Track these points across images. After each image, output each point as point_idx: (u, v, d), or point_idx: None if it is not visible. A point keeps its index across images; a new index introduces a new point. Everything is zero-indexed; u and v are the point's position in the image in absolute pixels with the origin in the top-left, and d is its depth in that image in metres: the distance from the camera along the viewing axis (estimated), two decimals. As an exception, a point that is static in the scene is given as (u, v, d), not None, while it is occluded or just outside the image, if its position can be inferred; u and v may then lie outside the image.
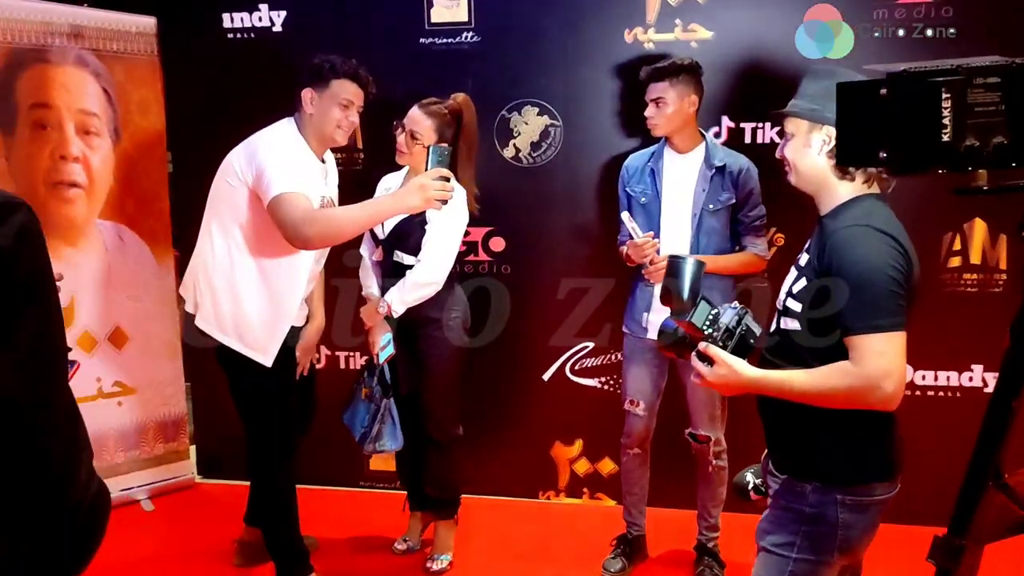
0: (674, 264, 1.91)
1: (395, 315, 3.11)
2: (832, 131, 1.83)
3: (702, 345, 1.89)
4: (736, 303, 1.95)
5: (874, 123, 1.25)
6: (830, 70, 1.96)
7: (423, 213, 3.04)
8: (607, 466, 3.88)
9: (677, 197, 3.12)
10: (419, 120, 3.11)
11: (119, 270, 3.89)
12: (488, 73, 3.70)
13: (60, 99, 3.65)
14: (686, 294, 1.86)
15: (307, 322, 3.19)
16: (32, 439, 0.94)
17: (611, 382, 3.80)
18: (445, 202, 2.63)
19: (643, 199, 3.17)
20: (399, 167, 3.29)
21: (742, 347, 1.91)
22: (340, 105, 2.87)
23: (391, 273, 3.19)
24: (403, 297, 3.10)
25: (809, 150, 1.93)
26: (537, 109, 3.70)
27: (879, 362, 1.73)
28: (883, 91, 1.23)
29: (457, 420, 3.34)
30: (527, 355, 3.89)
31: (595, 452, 3.91)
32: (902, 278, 1.77)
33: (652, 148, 3.24)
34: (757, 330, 1.94)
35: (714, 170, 3.09)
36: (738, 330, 1.90)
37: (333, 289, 3.36)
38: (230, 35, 3.89)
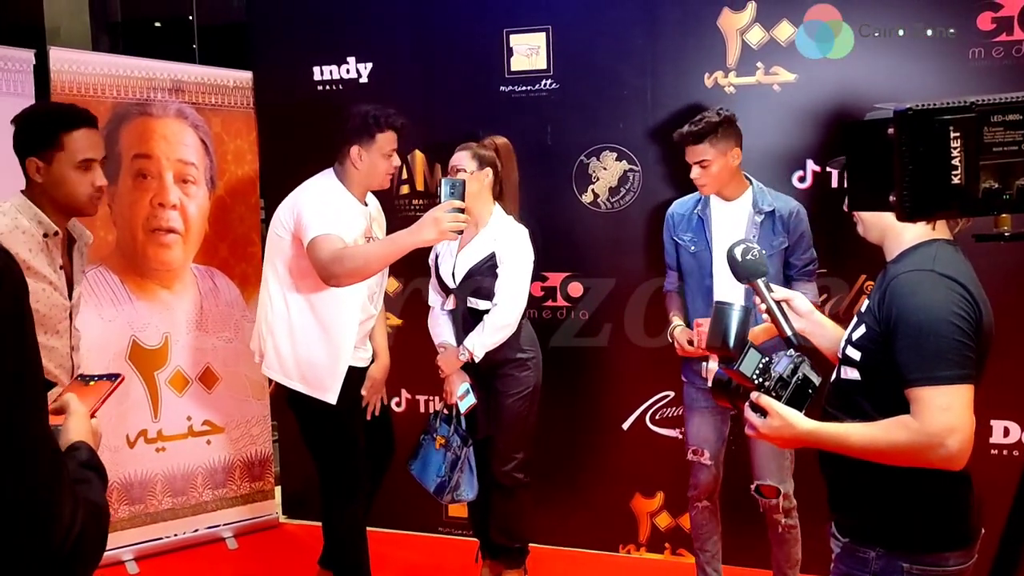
0: (720, 310, 1.83)
1: (476, 360, 3.12)
2: None
3: (754, 395, 1.80)
4: (792, 351, 1.86)
5: (882, 165, 1.17)
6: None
7: (494, 256, 3.08)
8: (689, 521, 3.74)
9: (729, 245, 3.02)
10: (465, 160, 3.14)
11: (211, 312, 4.04)
12: (567, 119, 3.71)
13: (160, 150, 3.84)
14: (732, 342, 1.78)
15: (372, 363, 3.24)
16: (10, 479, 0.94)
17: (692, 433, 3.68)
18: (460, 232, 2.69)
19: (692, 247, 3.10)
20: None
21: (799, 397, 1.81)
22: (385, 156, 3.01)
23: (468, 320, 3.20)
24: (483, 341, 3.11)
25: None
26: (616, 154, 3.67)
27: (943, 418, 1.61)
28: (890, 131, 1.15)
29: (523, 466, 3.29)
30: (606, 403, 3.81)
31: (677, 506, 3.77)
32: (968, 326, 1.64)
33: (697, 194, 3.15)
34: (815, 379, 1.83)
35: (764, 215, 3.00)
36: (794, 379, 1.81)
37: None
38: (320, 87, 4.03)
